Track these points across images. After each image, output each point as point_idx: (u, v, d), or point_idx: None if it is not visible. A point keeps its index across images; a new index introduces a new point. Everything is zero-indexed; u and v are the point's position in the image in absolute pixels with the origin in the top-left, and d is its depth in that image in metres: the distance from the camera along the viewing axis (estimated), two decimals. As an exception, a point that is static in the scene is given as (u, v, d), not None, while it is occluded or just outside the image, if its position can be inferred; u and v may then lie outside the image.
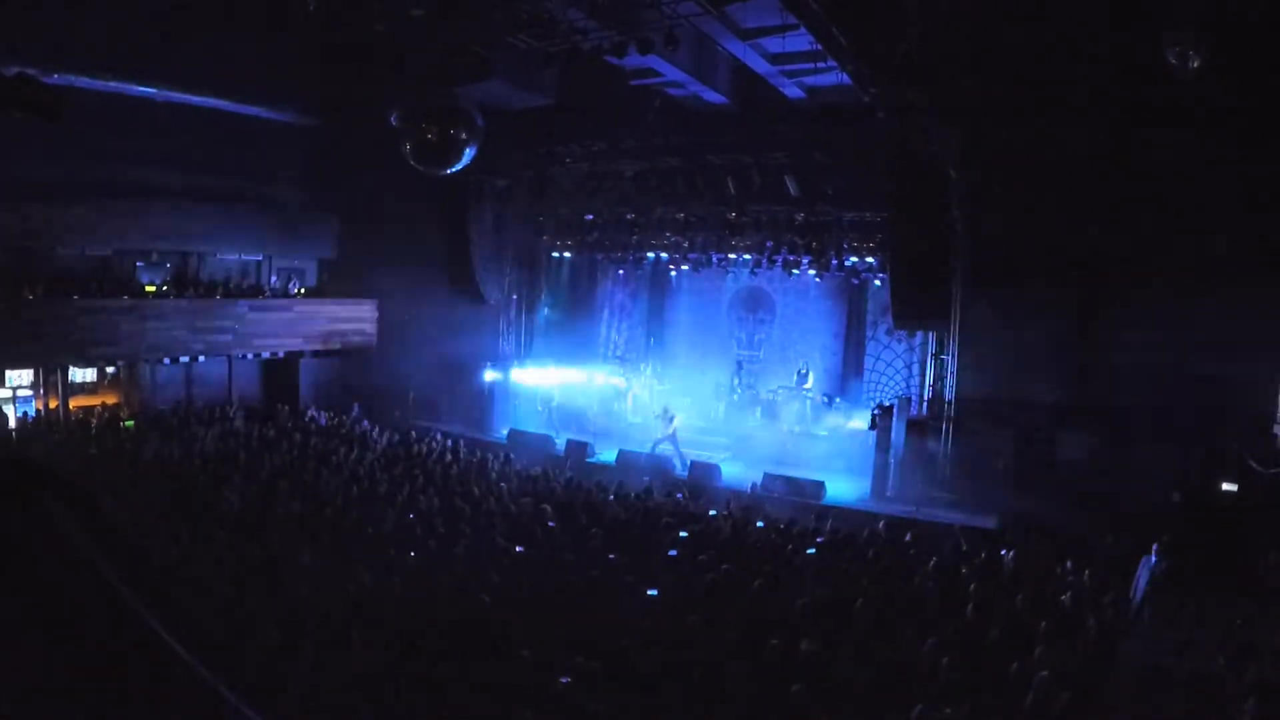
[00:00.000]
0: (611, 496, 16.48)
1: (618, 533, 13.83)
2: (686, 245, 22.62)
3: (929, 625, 9.96)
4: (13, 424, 20.32)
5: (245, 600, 9.50)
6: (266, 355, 25.40)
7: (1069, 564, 12.87)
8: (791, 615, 10.36)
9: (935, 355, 19.59)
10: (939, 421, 18.81)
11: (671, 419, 20.85)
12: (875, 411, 18.79)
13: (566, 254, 25.67)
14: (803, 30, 14.01)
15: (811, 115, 19.21)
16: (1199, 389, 15.50)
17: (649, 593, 11.08)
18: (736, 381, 23.34)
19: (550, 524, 14.06)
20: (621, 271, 26.59)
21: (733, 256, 22.51)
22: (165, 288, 23.73)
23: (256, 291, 25.75)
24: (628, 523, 14.70)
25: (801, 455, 20.59)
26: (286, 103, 23.69)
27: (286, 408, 23.33)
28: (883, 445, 18.50)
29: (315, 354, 26.20)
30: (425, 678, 7.88)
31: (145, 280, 23.66)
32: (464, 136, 14.72)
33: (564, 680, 8.11)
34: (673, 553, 13.04)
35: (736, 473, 19.81)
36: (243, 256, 26.28)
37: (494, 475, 17.67)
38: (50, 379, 21.78)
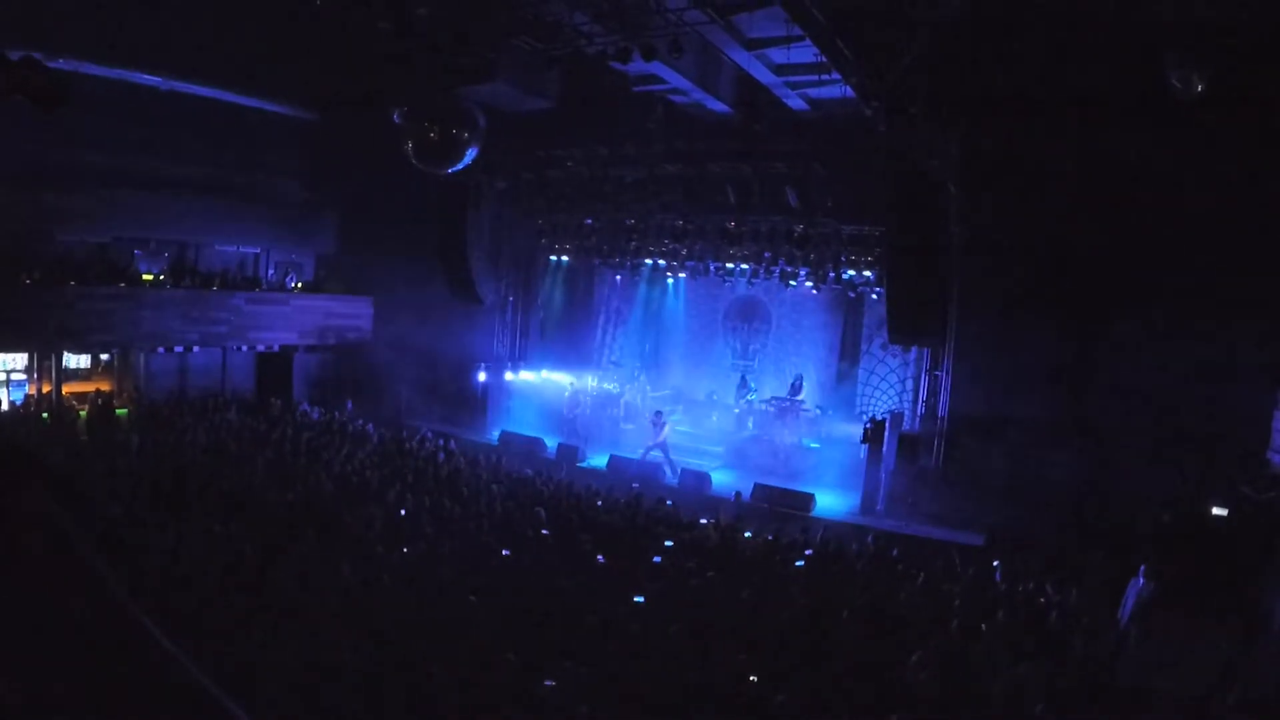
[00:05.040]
0: (600, 502, 16.46)
1: (606, 538, 13.82)
2: (684, 253, 22.61)
3: (914, 640, 9.96)
4: (4, 408, 20.30)
5: (232, 595, 9.48)
6: (261, 348, 25.40)
7: (1056, 582, 12.88)
8: (777, 626, 10.36)
9: (930, 370, 19.59)
10: (931, 437, 18.83)
11: (663, 426, 20.85)
12: (868, 425, 18.79)
13: (564, 258, 25.65)
14: (808, 42, 14.06)
15: (814, 127, 19.27)
16: (1192, 411, 15.54)
17: (635, 599, 11.08)
18: (749, 395, 23.18)
19: (544, 531, 14.03)
20: (619, 277, 26.57)
21: (730, 266, 22.48)
22: (162, 277, 23.72)
23: (253, 284, 25.75)
24: (616, 529, 14.68)
25: (793, 466, 20.60)
26: (290, 97, 23.74)
27: (279, 401, 23.29)
28: (874, 459, 18.50)
29: (310, 349, 26.21)
30: (411, 677, 7.87)
31: (143, 269, 23.65)
32: (465, 137, 14.70)
33: (549, 684, 8.10)
34: (656, 559, 13.04)
35: (727, 482, 19.83)
36: (241, 248, 26.28)
37: (484, 477, 17.64)
38: (44, 364, 21.79)
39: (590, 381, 24.39)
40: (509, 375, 25.09)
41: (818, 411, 22.15)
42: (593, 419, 23.25)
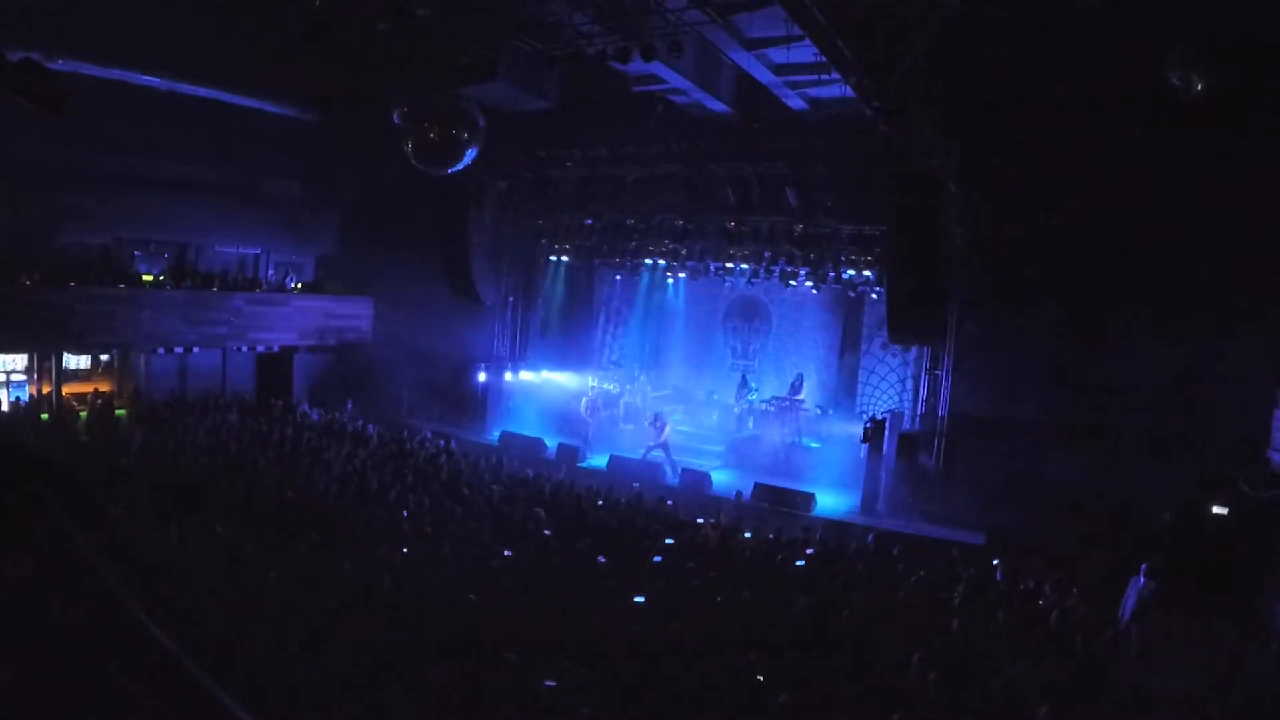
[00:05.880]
0: (601, 502, 16.46)
1: (606, 538, 13.82)
2: (684, 253, 22.59)
3: (915, 639, 9.96)
4: (4, 408, 20.31)
5: (234, 596, 9.47)
6: (261, 349, 25.39)
7: (1057, 582, 12.89)
8: (778, 626, 10.36)
9: (929, 370, 19.58)
10: (931, 436, 18.82)
11: (663, 426, 20.83)
12: (868, 425, 18.78)
13: (564, 258, 25.64)
14: (808, 41, 14.06)
15: (814, 127, 19.27)
16: (1192, 411, 15.56)
17: (636, 599, 11.08)
18: (749, 395, 23.10)
19: (546, 531, 14.03)
20: (619, 277, 26.55)
21: (730, 266, 22.45)
22: (162, 278, 23.73)
23: (254, 285, 25.75)
24: (616, 529, 14.68)
25: (793, 466, 20.59)
26: (289, 97, 23.71)
27: (280, 402, 23.29)
28: (874, 458, 18.50)
29: (310, 349, 26.20)
30: (412, 678, 7.87)
31: (143, 270, 23.67)
32: (465, 137, 14.70)
33: (549, 684, 8.11)
34: (657, 559, 13.03)
35: (727, 482, 19.81)
36: (241, 249, 26.27)
37: (485, 477, 17.65)
38: (44, 365, 21.79)
39: (594, 383, 24.36)
40: (509, 375, 25.07)
41: (818, 411, 22.15)
42: (603, 422, 23.23)
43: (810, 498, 18.42)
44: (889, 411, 20.20)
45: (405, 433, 21.20)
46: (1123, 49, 13.88)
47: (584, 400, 23.18)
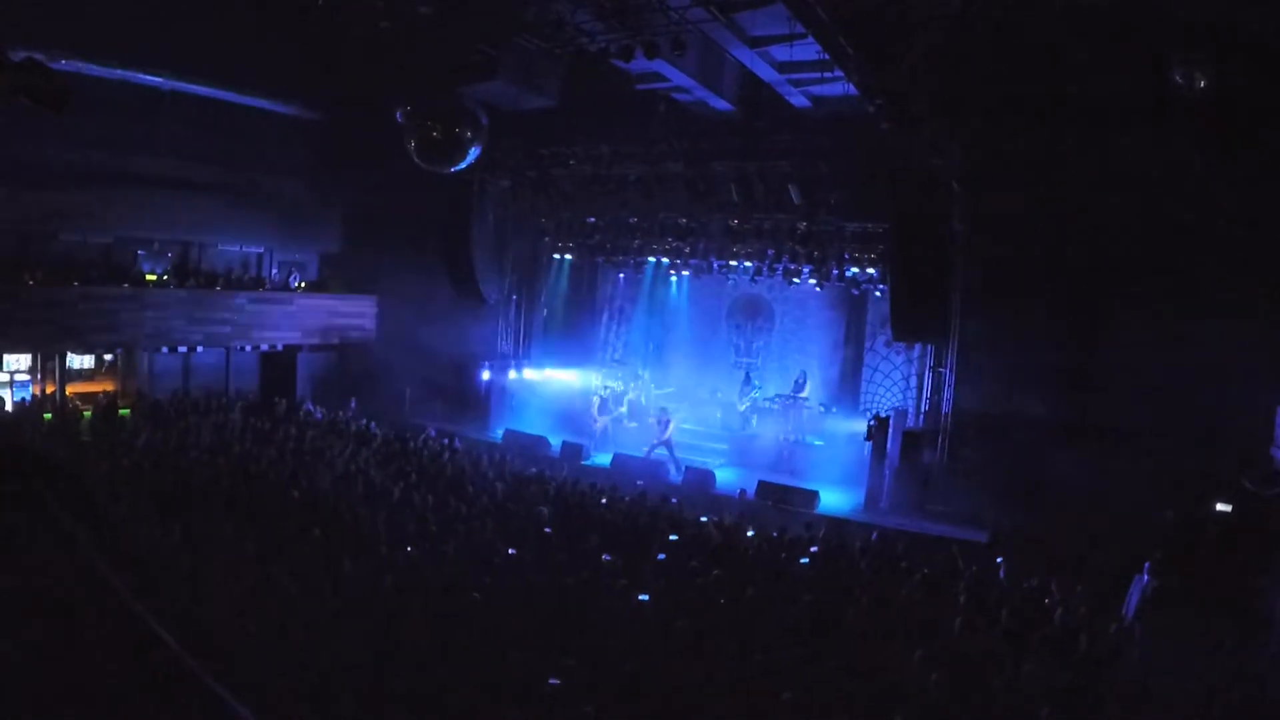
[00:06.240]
0: (605, 500, 16.46)
1: (610, 536, 13.82)
2: (688, 251, 22.60)
3: (918, 638, 9.95)
4: (9, 408, 20.31)
5: (236, 595, 9.48)
6: (265, 348, 25.41)
7: (1060, 580, 12.87)
8: (782, 624, 10.35)
9: (933, 368, 19.55)
10: (934, 434, 18.80)
11: (667, 424, 20.83)
12: (871, 422, 18.78)
13: (567, 256, 25.67)
14: (810, 39, 14.05)
15: (817, 125, 19.25)
16: (1195, 408, 15.50)
17: (640, 597, 11.07)
18: (753, 393, 23.04)
19: (547, 529, 14.03)
20: (622, 275, 26.56)
21: (734, 264, 22.46)
22: (166, 277, 23.74)
23: (257, 284, 25.76)
24: (620, 526, 14.68)
25: (796, 464, 20.60)
26: (292, 96, 23.75)
27: (283, 401, 23.30)
28: (878, 456, 18.49)
29: (313, 348, 26.20)
30: (414, 676, 7.87)
31: (146, 269, 23.68)
32: (468, 135, 14.72)
33: (553, 682, 8.11)
34: (661, 556, 13.03)
35: (731, 480, 19.81)
36: (244, 248, 26.27)
37: (489, 475, 17.65)
38: (48, 365, 21.82)
39: (604, 383, 24.34)
40: (512, 373, 25.09)
41: (821, 409, 22.11)
42: (610, 421, 23.23)
43: (814, 495, 18.40)
44: (893, 409, 20.17)
45: (408, 431, 21.20)
46: (1126, 48, 13.85)
47: (595, 399, 23.20)
